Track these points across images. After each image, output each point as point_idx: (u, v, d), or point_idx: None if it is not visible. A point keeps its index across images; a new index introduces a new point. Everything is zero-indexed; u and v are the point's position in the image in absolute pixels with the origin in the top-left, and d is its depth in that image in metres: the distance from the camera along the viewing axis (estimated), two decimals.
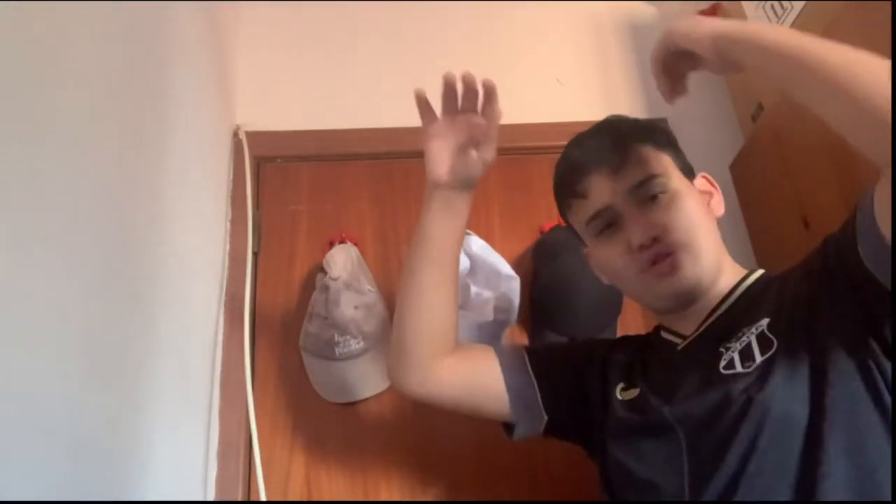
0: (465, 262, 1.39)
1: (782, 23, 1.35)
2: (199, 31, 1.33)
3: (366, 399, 1.36)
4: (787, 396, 0.71)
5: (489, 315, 1.28)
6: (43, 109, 0.68)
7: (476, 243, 1.42)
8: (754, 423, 0.71)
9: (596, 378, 0.97)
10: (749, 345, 0.77)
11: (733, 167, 1.51)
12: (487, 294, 1.31)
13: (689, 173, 0.93)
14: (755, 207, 1.45)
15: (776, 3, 1.36)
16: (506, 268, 1.34)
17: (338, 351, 1.33)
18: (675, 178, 0.89)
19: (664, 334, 0.94)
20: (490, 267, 1.35)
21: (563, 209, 0.97)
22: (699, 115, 1.67)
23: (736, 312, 0.85)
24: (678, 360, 0.87)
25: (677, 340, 0.90)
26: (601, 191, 0.88)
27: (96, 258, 0.79)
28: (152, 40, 1.04)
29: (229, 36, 1.61)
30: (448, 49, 1.74)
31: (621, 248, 0.87)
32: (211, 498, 1.23)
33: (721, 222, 1.54)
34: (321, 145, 1.59)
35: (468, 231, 1.46)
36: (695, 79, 1.84)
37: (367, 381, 1.36)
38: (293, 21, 1.74)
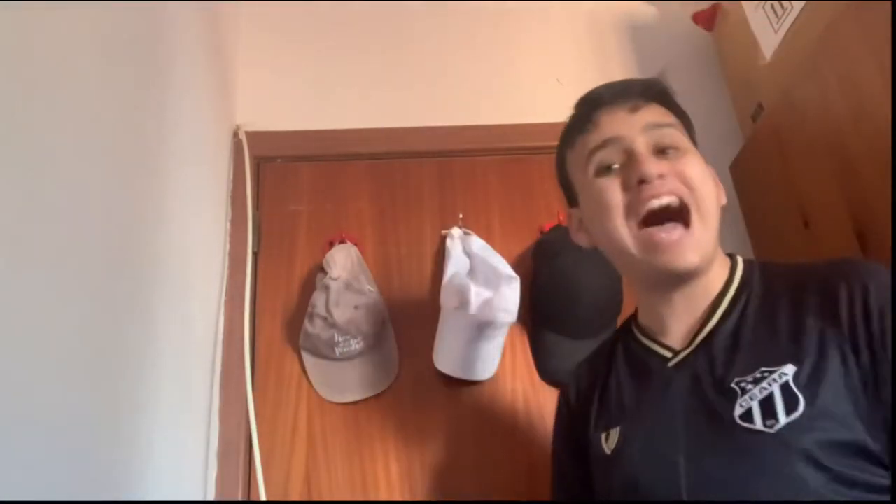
0: (465, 262, 1.39)
1: (782, 23, 1.35)
2: (199, 31, 1.33)
3: (366, 399, 1.36)
4: (808, 462, 0.67)
5: (489, 315, 1.28)
6: (43, 109, 0.68)
7: (476, 243, 1.42)
8: (772, 484, 0.68)
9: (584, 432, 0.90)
10: (771, 397, 0.70)
11: (733, 167, 1.51)
12: (487, 294, 1.31)
13: None
14: (755, 207, 1.45)
15: (776, 3, 1.36)
16: (506, 268, 1.34)
17: (338, 351, 1.33)
18: (690, 146, 0.84)
19: (645, 340, 0.86)
20: (490, 267, 1.35)
21: (565, 151, 0.89)
22: (699, 115, 1.64)
23: (739, 330, 0.78)
24: (673, 382, 0.79)
25: (665, 353, 0.83)
26: (616, 122, 0.81)
27: (96, 258, 0.79)
28: (152, 40, 1.04)
29: (229, 36, 1.61)
30: (448, 49, 1.73)
31: (620, 184, 0.79)
32: (211, 498, 1.23)
33: (721, 222, 1.55)
34: (321, 145, 1.59)
35: (468, 231, 1.47)
36: (695, 79, 1.85)
37: (367, 381, 1.36)
38: (293, 21, 1.74)
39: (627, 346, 0.90)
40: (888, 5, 1.00)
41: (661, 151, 0.80)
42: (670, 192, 0.76)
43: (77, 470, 0.73)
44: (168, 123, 1.08)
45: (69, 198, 0.73)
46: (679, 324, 0.82)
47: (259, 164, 1.56)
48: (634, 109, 0.81)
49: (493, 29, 1.77)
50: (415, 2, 1.77)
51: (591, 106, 0.84)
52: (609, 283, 1.32)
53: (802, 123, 1.24)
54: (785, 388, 0.70)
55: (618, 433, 0.83)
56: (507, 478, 1.32)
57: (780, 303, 0.77)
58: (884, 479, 0.67)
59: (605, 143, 0.81)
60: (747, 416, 0.71)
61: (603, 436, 0.85)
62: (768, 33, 1.40)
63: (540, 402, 1.38)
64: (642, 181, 0.76)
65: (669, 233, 0.76)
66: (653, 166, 0.76)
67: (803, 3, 1.28)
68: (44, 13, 0.68)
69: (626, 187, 0.78)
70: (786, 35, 1.34)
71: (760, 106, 1.46)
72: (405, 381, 1.39)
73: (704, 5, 1.65)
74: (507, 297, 1.30)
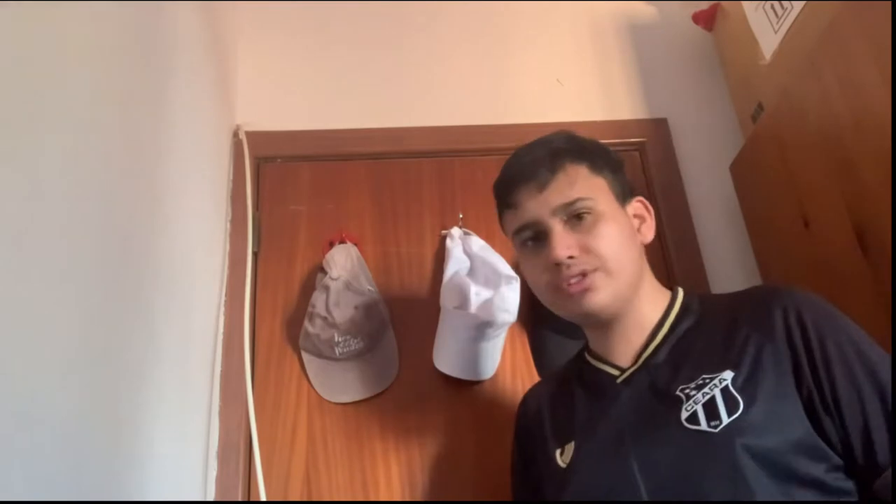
0: (465, 262, 1.39)
1: (782, 23, 1.35)
2: (199, 31, 1.33)
3: (366, 399, 1.36)
4: (752, 458, 0.74)
5: (489, 315, 1.28)
6: (43, 109, 0.68)
7: (476, 243, 1.42)
8: (719, 479, 0.74)
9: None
10: (713, 400, 0.78)
11: (733, 167, 1.51)
12: (487, 294, 1.31)
13: (626, 196, 0.95)
14: (755, 207, 1.45)
15: (776, 3, 1.36)
16: (506, 268, 1.34)
17: (338, 351, 1.33)
18: (604, 202, 0.90)
19: (595, 363, 0.95)
20: (490, 267, 1.35)
21: (500, 216, 0.99)
22: (699, 115, 1.67)
23: (681, 346, 0.87)
24: (622, 395, 0.88)
25: (613, 371, 0.91)
26: (530, 204, 0.90)
27: (96, 258, 0.79)
28: (152, 40, 1.04)
29: (229, 36, 1.61)
30: (448, 49, 1.74)
31: (542, 262, 0.89)
32: (211, 498, 1.23)
33: (721, 222, 1.55)
34: (321, 145, 1.59)
35: (468, 231, 1.47)
36: (695, 79, 1.86)
37: (367, 381, 1.36)
38: (293, 21, 1.74)
39: (581, 369, 0.98)
40: (888, 5, 1.00)
41: (574, 219, 0.88)
42: (581, 271, 0.86)
43: (77, 470, 0.73)
44: (168, 123, 1.08)
45: (69, 198, 0.73)
46: (622, 347, 0.92)
47: (259, 164, 1.56)
48: (542, 187, 0.89)
49: (494, 29, 1.77)
50: (415, 2, 1.77)
51: (508, 185, 0.93)
52: None
53: (802, 123, 1.24)
54: (725, 391, 0.78)
55: (572, 447, 0.90)
56: (507, 478, 1.32)
57: (718, 320, 0.87)
58: (835, 477, 0.75)
59: (524, 227, 0.91)
60: (693, 418, 0.78)
61: (558, 451, 0.92)
62: (768, 33, 1.40)
63: None
64: (557, 264, 0.86)
65: (572, 287, 0.87)
66: (562, 250, 0.86)
67: (803, 3, 1.28)
68: (44, 13, 0.68)
69: (544, 264, 0.89)
70: (786, 35, 1.34)
71: (760, 106, 1.46)
72: (405, 381, 1.39)
73: (704, 5, 1.65)
74: (507, 297, 1.30)
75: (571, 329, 1.35)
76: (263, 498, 1.23)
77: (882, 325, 1.04)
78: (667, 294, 0.94)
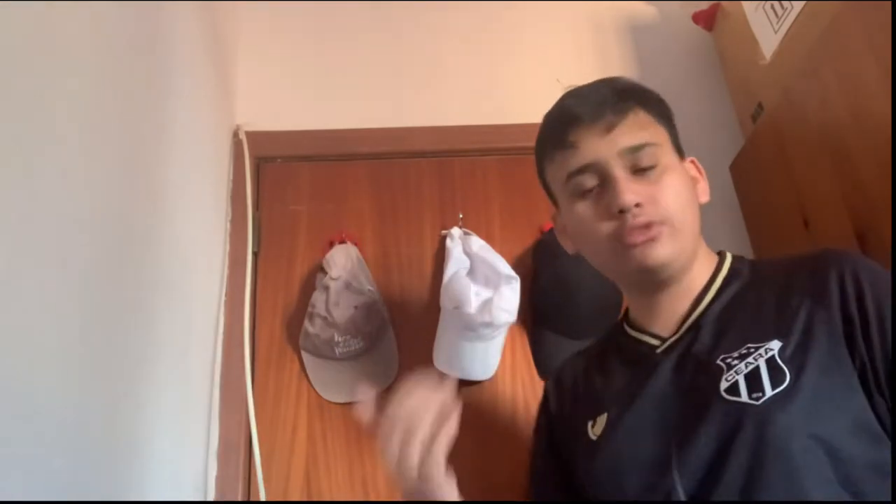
0: (465, 262, 1.39)
1: (782, 23, 1.35)
2: (199, 31, 1.33)
3: None
4: (799, 437, 0.68)
5: (489, 315, 1.28)
6: (43, 110, 0.68)
7: (476, 243, 1.42)
8: (761, 458, 0.68)
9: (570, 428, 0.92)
10: (757, 370, 0.72)
11: (733, 167, 1.51)
12: (487, 294, 1.31)
13: (681, 153, 0.89)
14: (755, 207, 1.45)
15: (776, 3, 1.36)
16: (506, 268, 1.34)
17: (338, 351, 1.33)
18: (669, 154, 0.84)
19: (635, 333, 0.89)
20: (490, 267, 1.35)
21: (544, 162, 0.90)
22: (699, 115, 1.67)
23: (726, 313, 0.81)
24: (661, 366, 0.81)
25: (654, 342, 0.85)
26: (593, 145, 0.82)
27: (96, 258, 0.79)
28: (152, 40, 1.04)
29: (229, 36, 1.61)
30: (448, 49, 1.73)
31: (600, 210, 0.81)
32: (211, 498, 1.23)
33: (721, 222, 1.55)
34: (321, 145, 1.59)
35: (468, 231, 1.47)
36: (695, 78, 1.85)
37: (367, 381, 1.36)
38: (293, 21, 1.74)
39: (618, 342, 0.92)
40: (888, 5, 1.00)
41: (639, 170, 0.81)
42: (647, 221, 0.79)
43: (77, 470, 0.73)
44: (168, 123, 1.08)
45: (69, 198, 0.73)
46: (667, 315, 0.85)
47: (259, 164, 1.56)
48: (609, 128, 0.81)
49: (494, 29, 1.77)
50: (415, 2, 1.77)
51: (566, 123, 0.84)
52: (609, 282, 1.31)
53: (802, 123, 1.24)
54: (771, 361, 0.72)
55: (605, 419, 0.85)
56: (507, 478, 1.32)
57: (768, 286, 0.81)
58: (881, 452, 0.68)
59: (582, 169, 0.82)
60: (733, 389, 0.72)
61: (590, 423, 0.87)
62: (768, 33, 1.40)
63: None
64: (621, 211, 0.79)
65: (635, 235, 0.79)
66: (630, 196, 0.78)
67: (803, 3, 1.28)
68: (44, 13, 0.68)
69: (606, 212, 0.81)
70: (786, 35, 1.34)
71: (760, 106, 1.46)
72: (405, 381, 1.38)
73: (704, 5, 1.65)
74: (507, 297, 1.30)
75: (572, 329, 1.36)
76: (263, 498, 1.23)
77: None
78: (714, 258, 0.88)
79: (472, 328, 1.30)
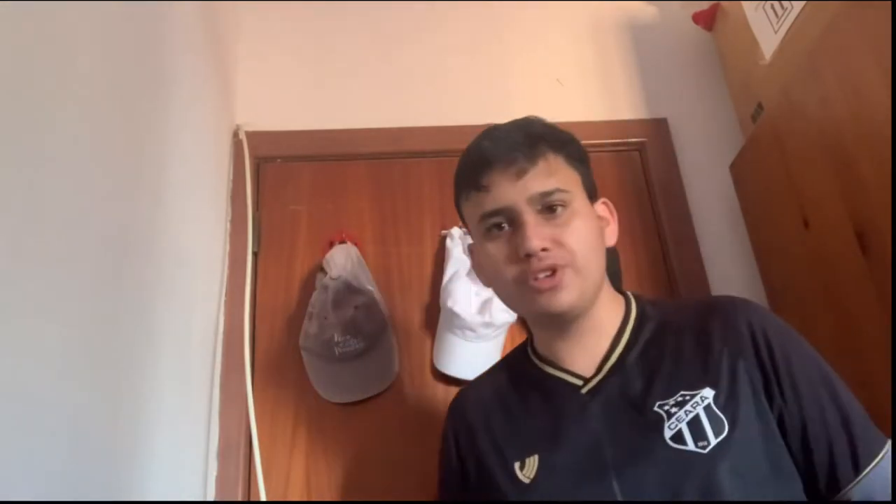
0: (465, 262, 1.39)
1: (782, 23, 1.35)
2: (199, 31, 1.33)
3: (366, 399, 1.36)
4: (735, 479, 0.73)
5: (489, 315, 1.28)
6: (43, 110, 0.68)
7: None
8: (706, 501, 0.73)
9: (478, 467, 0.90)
10: (698, 419, 0.76)
11: (733, 167, 1.51)
12: (487, 294, 1.31)
13: (593, 196, 0.91)
14: (755, 207, 1.45)
15: (776, 3, 1.36)
16: None
17: (338, 351, 1.33)
18: (578, 198, 0.86)
19: (549, 369, 0.89)
20: None
21: (460, 198, 0.93)
22: (699, 115, 1.67)
23: (648, 356, 0.84)
24: (589, 407, 0.83)
25: (574, 381, 0.86)
26: (504, 190, 0.84)
27: (96, 258, 0.79)
28: (152, 40, 1.04)
29: (229, 36, 1.61)
30: (448, 49, 1.74)
31: (509, 251, 0.84)
32: (211, 498, 1.23)
33: (721, 222, 1.55)
34: (321, 145, 1.59)
35: (468, 231, 1.46)
36: (695, 79, 1.85)
37: (367, 381, 1.36)
38: (293, 21, 1.74)
39: (528, 373, 0.92)
40: (888, 5, 1.00)
41: (549, 214, 0.84)
42: (552, 265, 0.81)
43: (77, 470, 0.73)
44: (168, 123, 1.08)
45: (69, 198, 0.73)
46: (581, 354, 0.87)
47: (259, 164, 1.56)
48: (521, 174, 0.84)
49: (494, 29, 1.77)
50: (415, 2, 1.77)
51: (480, 166, 0.86)
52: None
53: (802, 123, 1.24)
54: (708, 410, 0.77)
55: (535, 461, 0.84)
56: None
57: (683, 331, 0.85)
58: (794, 488, 0.76)
59: (494, 213, 0.85)
60: (678, 437, 0.76)
61: (517, 464, 0.85)
62: (768, 33, 1.40)
63: None
64: (528, 255, 0.81)
65: (541, 283, 0.81)
66: (536, 241, 0.81)
67: (803, 3, 1.28)
68: (44, 13, 0.68)
69: (514, 255, 0.83)
70: (786, 35, 1.34)
71: (760, 106, 1.46)
72: (405, 381, 1.39)
73: (704, 5, 1.65)
74: None
75: None
76: (263, 498, 1.23)
77: (882, 326, 1.04)
78: (620, 299, 0.91)
79: (473, 328, 1.30)
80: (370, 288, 1.39)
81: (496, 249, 0.85)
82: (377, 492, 1.31)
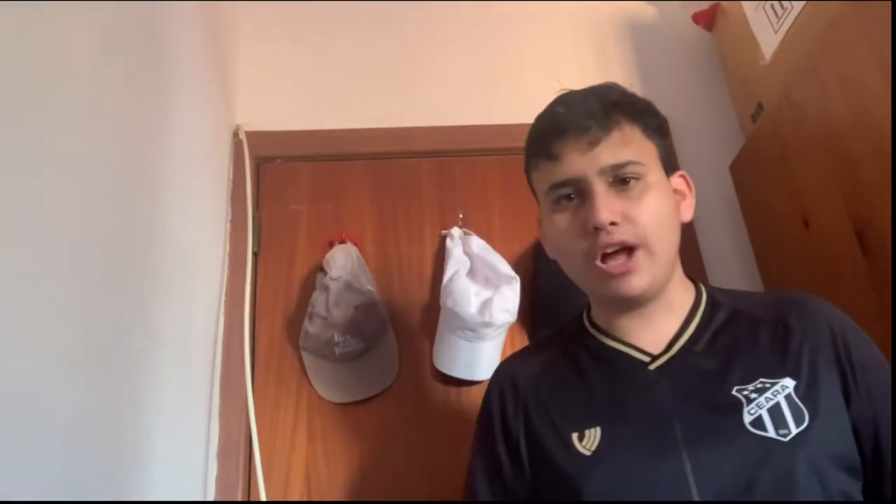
0: (465, 263, 1.39)
1: (782, 23, 1.35)
2: (199, 31, 1.33)
3: (366, 399, 1.36)
4: (810, 470, 0.73)
5: (489, 315, 1.28)
6: (43, 110, 0.68)
7: (476, 243, 1.42)
8: (782, 491, 0.72)
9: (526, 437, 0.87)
10: (778, 407, 0.75)
11: (733, 167, 1.51)
12: (487, 294, 1.31)
13: (670, 168, 0.87)
14: (755, 207, 1.45)
15: (776, 3, 1.36)
16: (506, 268, 1.34)
17: (338, 351, 1.33)
18: (654, 171, 0.83)
19: (613, 343, 0.86)
20: (490, 267, 1.35)
21: (530, 167, 0.90)
22: (699, 115, 1.67)
23: (721, 340, 0.82)
24: (658, 384, 0.81)
25: (641, 357, 0.83)
26: (575, 160, 0.81)
27: (97, 258, 0.79)
28: (152, 40, 1.04)
29: (229, 36, 1.61)
30: (448, 49, 1.74)
31: (576, 224, 0.81)
32: (211, 498, 1.23)
33: (721, 222, 1.55)
34: (321, 145, 1.59)
35: (468, 231, 1.47)
36: (695, 78, 1.85)
37: (367, 381, 1.36)
38: (293, 21, 1.74)
39: (588, 347, 0.89)
40: (888, 5, 1.00)
41: (621, 186, 0.81)
42: (622, 241, 0.79)
43: (77, 470, 0.73)
44: (168, 123, 1.08)
45: (70, 198, 0.73)
46: (649, 332, 0.85)
47: (259, 164, 1.56)
48: (593, 144, 0.81)
49: (494, 29, 1.77)
50: (415, 2, 1.77)
51: (552, 134, 0.84)
52: None
53: (802, 123, 1.24)
54: (789, 399, 0.76)
55: (598, 433, 0.81)
56: None
57: (760, 323, 0.83)
58: (854, 484, 0.75)
59: (564, 183, 0.82)
60: (758, 423, 0.74)
61: (574, 435, 0.82)
62: (768, 33, 1.40)
63: None
64: (596, 228, 0.78)
65: (612, 267, 0.79)
66: (605, 214, 0.78)
67: (803, 3, 1.28)
68: (44, 13, 0.68)
69: (582, 227, 0.81)
70: (786, 35, 1.34)
71: (760, 106, 1.46)
72: (405, 381, 1.39)
73: (704, 5, 1.65)
74: (507, 297, 1.30)
75: None
76: (263, 498, 1.23)
77: (882, 325, 1.04)
78: (689, 283, 0.89)
79: (473, 328, 1.30)
80: (370, 288, 1.39)
81: (564, 221, 0.83)
82: (377, 492, 1.31)
